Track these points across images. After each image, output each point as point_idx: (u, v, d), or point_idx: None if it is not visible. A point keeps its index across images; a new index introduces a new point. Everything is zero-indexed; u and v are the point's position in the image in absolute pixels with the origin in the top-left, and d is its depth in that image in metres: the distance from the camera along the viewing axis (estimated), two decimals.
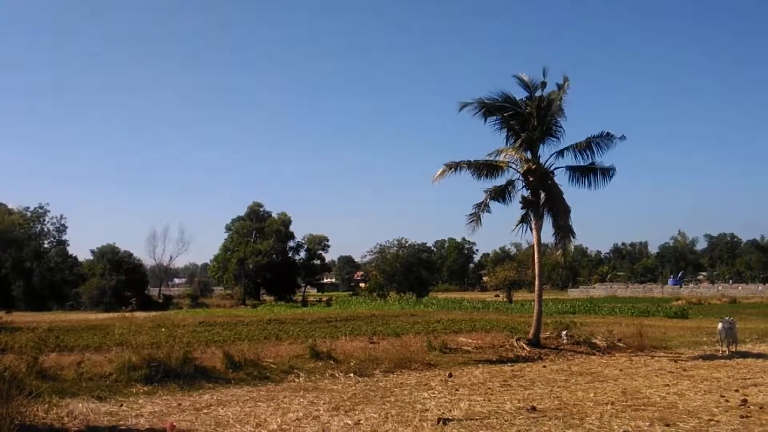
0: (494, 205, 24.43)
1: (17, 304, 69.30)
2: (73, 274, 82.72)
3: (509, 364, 19.15)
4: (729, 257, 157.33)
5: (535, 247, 24.14)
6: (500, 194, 24.37)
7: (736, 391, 13.89)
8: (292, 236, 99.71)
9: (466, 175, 23.96)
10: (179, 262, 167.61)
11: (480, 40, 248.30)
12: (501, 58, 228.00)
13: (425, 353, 19.67)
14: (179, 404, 12.26)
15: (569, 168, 24.00)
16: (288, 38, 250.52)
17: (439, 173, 23.87)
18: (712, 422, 10.74)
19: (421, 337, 23.43)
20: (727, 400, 12.71)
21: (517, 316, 40.31)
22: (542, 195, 23.75)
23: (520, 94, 23.75)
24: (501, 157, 24.17)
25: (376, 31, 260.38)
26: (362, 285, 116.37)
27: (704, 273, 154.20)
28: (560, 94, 23.21)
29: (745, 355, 20.89)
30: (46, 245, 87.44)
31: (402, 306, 60.88)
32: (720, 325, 21.43)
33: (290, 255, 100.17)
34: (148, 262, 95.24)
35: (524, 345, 22.00)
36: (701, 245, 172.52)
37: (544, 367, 18.56)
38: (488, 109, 23.49)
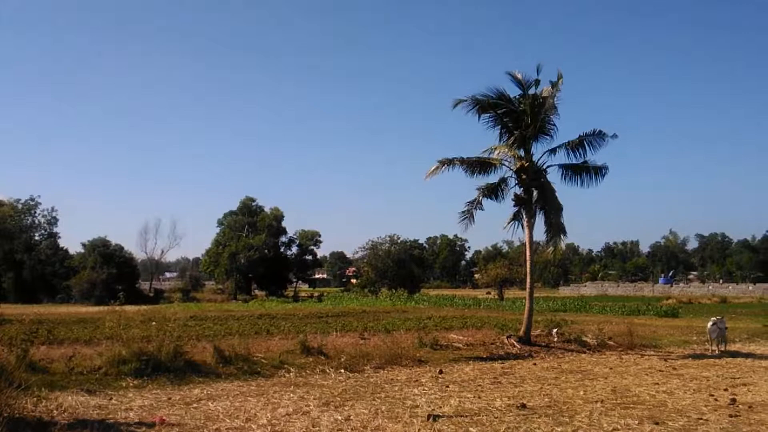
0: (487, 202, 24.47)
1: (7, 297, 68.94)
2: (64, 267, 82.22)
3: (500, 361, 19.18)
4: (720, 257, 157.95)
5: (527, 244, 24.17)
6: (493, 192, 24.38)
7: (726, 390, 13.97)
8: (284, 231, 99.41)
9: (459, 172, 24.09)
10: (171, 256, 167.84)
11: (474, 36, 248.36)
12: (495, 55, 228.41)
13: (416, 350, 19.69)
14: (169, 398, 12.24)
15: (562, 166, 24.05)
16: (280, 33, 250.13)
17: (432, 170, 23.89)
18: (701, 421, 10.78)
19: (412, 333, 23.46)
20: (716, 399, 12.77)
21: (508, 313, 40.40)
22: (535, 193, 23.79)
23: (513, 92, 23.82)
24: (494, 155, 24.18)
25: (368, 27, 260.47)
26: (354, 281, 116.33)
27: (695, 272, 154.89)
28: (554, 91, 23.22)
29: (735, 354, 20.99)
30: (36, 238, 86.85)
31: (393, 302, 60.90)
32: (710, 325, 21.53)
33: (282, 250, 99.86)
34: (139, 255, 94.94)
35: (515, 342, 22.05)
36: (692, 245, 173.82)
37: (535, 364, 18.60)
38: (482, 106, 23.48)
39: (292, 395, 12.78)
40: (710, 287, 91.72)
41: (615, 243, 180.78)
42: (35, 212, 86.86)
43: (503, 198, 24.45)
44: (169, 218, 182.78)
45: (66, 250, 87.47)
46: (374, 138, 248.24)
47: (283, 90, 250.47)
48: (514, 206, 24.14)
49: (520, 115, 23.62)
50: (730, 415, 11.17)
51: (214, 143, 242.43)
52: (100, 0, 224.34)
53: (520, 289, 73.96)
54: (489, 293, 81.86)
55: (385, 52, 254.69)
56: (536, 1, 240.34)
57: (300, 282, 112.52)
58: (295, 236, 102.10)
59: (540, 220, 23.96)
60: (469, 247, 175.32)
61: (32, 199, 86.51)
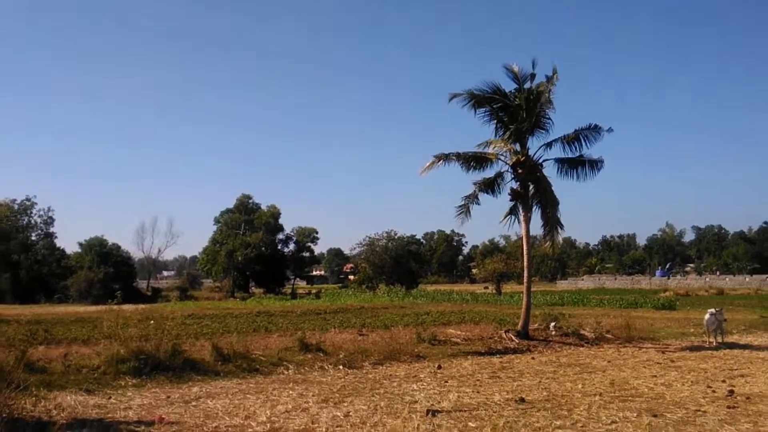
0: (483, 197, 24.52)
1: (4, 297, 68.86)
2: (61, 267, 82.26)
3: (498, 355, 19.21)
4: (716, 249, 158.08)
5: (524, 239, 24.20)
6: (489, 186, 24.41)
7: (723, 381, 14.01)
8: (281, 228, 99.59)
9: (455, 167, 24.07)
10: (168, 255, 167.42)
11: (469, 31, 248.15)
12: (490, 50, 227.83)
13: (414, 345, 19.71)
14: (168, 397, 12.23)
15: (558, 160, 24.10)
16: (275, 33, 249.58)
17: (427, 165, 23.89)
18: (699, 412, 10.81)
19: (410, 329, 23.46)
20: (714, 391, 12.81)
21: (506, 307, 40.41)
22: (531, 187, 23.81)
23: (509, 86, 23.78)
24: (490, 149, 24.20)
25: (362, 24, 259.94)
26: (351, 277, 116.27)
27: (692, 265, 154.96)
28: (549, 85, 23.19)
29: (732, 346, 21.04)
30: (33, 238, 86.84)
31: (391, 298, 60.87)
32: (707, 317, 21.55)
33: (279, 247, 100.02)
34: (136, 254, 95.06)
35: (513, 337, 22.08)
36: (689, 237, 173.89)
37: (533, 358, 18.64)
38: (478, 100, 23.48)
39: (291, 392, 12.78)
40: (707, 279, 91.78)
41: (612, 236, 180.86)
42: (31, 212, 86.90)
43: (500, 192, 24.51)
44: (166, 217, 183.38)
45: (63, 250, 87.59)
46: (370, 133, 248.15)
47: (278, 87, 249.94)
48: (511, 201, 24.18)
49: (516, 110, 23.61)
50: (728, 407, 11.20)
51: (211, 141, 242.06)
52: (99, 0, 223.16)
53: (517, 283, 74.22)
54: (486, 288, 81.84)
55: (380, 47, 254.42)
56: None
57: (298, 279, 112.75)
58: (292, 233, 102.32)
59: (537, 215, 24.04)
60: (466, 242, 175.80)
61: (28, 200, 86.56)
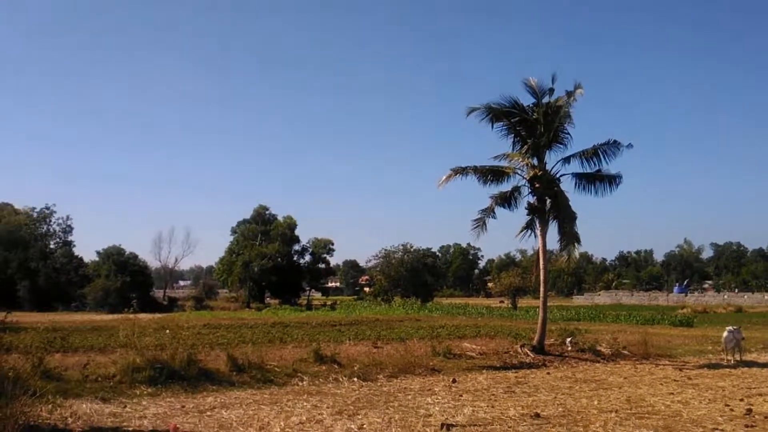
0: (500, 210, 24.35)
1: (23, 305, 69.35)
2: (79, 275, 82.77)
3: (513, 370, 19.11)
4: (735, 266, 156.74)
5: (540, 253, 24.07)
6: (506, 200, 24.30)
7: (741, 400, 13.84)
8: (297, 240, 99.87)
9: (472, 181, 24.04)
10: (184, 265, 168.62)
11: (489, 44, 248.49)
12: (510, 64, 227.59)
13: (429, 358, 19.64)
14: (183, 406, 12.27)
15: (576, 175, 23.96)
16: (295, 41, 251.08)
17: (445, 178, 23.90)
18: (717, 431, 10.69)
19: (425, 342, 23.39)
20: (731, 409, 12.65)
21: (522, 322, 40.24)
22: (548, 201, 23.70)
23: (527, 100, 23.70)
24: (507, 163, 24.17)
25: (383, 35, 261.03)
26: (367, 289, 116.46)
27: (710, 282, 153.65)
28: (570, 100, 23.14)
29: (751, 364, 20.80)
30: (52, 246, 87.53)
31: (406, 311, 60.84)
32: (725, 334, 21.33)
33: (295, 258, 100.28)
34: (153, 264, 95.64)
35: (528, 351, 21.94)
36: (707, 254, 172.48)
37: (548, 374, 18.52)
38: (495, 114, 23.44)
39: (305, 404, 12.78)
40: (725, 296, 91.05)
41: (629, 252, 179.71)
42: (50, 221, 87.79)
43: (516, 206, 24.38)
44: (183, 227, 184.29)
45: (81, 259, 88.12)
46: (388, 146, 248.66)
47: (297, 99, 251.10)
48: (527, 215, 24.09)
49: (534, 124, 23.54)
50: (746, 426, 11.07)
51: (228, 152, 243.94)
52: (114, 8, 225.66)
53: (533, 297, 73.66)
54: (502, 302, 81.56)
55: (398, 59, 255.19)
56: (552, 8, 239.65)
57: (313, 290, 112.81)
58: (308, 245, 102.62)
59: (553, 229, 23.88)
60: (482, 256, 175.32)
61: (47, 208, 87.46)
